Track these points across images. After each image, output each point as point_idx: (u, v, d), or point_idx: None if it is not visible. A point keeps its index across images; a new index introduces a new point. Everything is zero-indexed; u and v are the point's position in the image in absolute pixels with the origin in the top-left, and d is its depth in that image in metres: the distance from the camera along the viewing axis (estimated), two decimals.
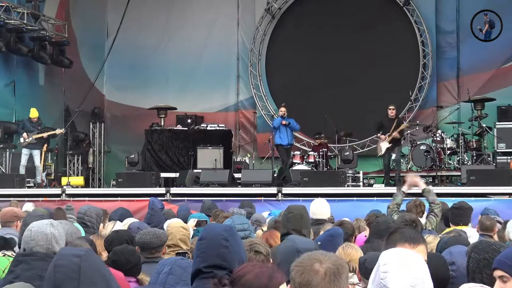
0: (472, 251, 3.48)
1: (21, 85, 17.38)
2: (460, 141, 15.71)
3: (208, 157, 15.94)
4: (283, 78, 19.60)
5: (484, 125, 15.74)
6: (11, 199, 11.67)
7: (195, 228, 6.77)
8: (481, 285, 2.99)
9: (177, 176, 15.61)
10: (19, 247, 5.03)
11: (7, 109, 17.00)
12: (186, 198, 13.11)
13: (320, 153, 15.88)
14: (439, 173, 15.20)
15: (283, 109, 15.73)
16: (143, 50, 20.55)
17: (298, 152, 16.24)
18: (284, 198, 12.87)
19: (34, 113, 15.45)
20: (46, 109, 16.00)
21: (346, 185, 13.91)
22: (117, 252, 4.64)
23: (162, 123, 18.35)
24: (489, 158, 15.98)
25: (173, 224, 5.85)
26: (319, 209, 6.94)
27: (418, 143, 16.16)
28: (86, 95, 18.26)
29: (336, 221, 6.85)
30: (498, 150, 16.05)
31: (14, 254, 4.46)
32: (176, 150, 16.96)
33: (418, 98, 18.21)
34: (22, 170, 15.36)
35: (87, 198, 13.55)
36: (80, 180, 16.87)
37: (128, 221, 6.74)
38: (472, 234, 6.33)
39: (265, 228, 6.65)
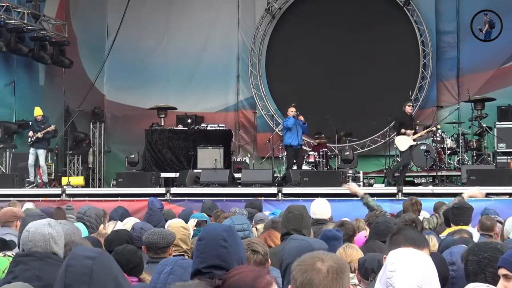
0: (468, 254, 3.48)
1: (21, 85, 17.39)
2: (460, 141, 15.71)
3: (208, 157, 15.94)
4: (283, 78, 19.60)
5: (484, 125, 15.74)
6: (11, 199, 11.66)
7: (195, 228, 6.76)
8: (487, 285, 3.00)
9: (177, 176, 15.60)
10: (19, 247, 5.04)
11: (7, 109, 17.01)
12: (186, 198, 13.10)
13: (320, 153, 15.88)
14: (439, 173, 15.19)
15: (293, 109, 15.22)
16: (143, 50, 20.55)
17: None
18: (284, 198, 12.86)
19: (37, 112, 15.47)
20: (46, 109, 15.99)
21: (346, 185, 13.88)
22: (118, 252, 4.64)
23: (162, 123, 18.36)
24: (489, 158, 15.99)
25: (173, 224, 5.85)
26: (320, 209, 6.94)
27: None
28: (86, 95, 18.26)
29: (337, 221, 6.83)
30: (498, 150, 16.06)
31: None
32: (176, 150, 16.96)
33: (418, 98, 18.21)
34: (30, 170, 15.38)
35: (87, 198, 13.54)
36: (80, 180, 16.88)
37: (128, 221, 6.74)
38: (473, 233, 6.33)
39: (258, 227, 6.65)
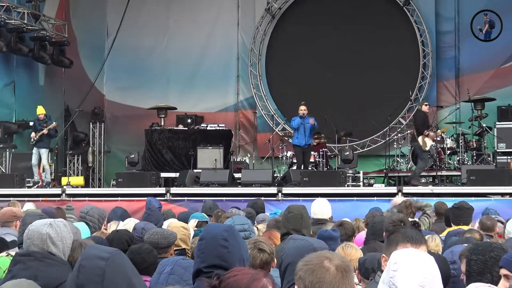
0: (471, 254, 3.47)
1: (21, 85, 17.39)
2: (460, 141, 15.72)
3: (208, 157, 15.94)
4: (283, 78, 19.60)
5: (484, 125, 15.74)
6: (11, 199, 11.65)
7: (196, 228, 6.76)
8: (489, 285, 3.00)
9: (177, 176, 15.60)
10: (19, 247, 5.04)
11: (7, 109, 17.01)
12: (186, 198, 13.10)
13: (320, 153, 15.87)
14: (439, 173, 15.19)
15: (302, 107, 14.79)
16: (143, 50, 20.55)
17: None
18: (284, 198, 12.86)
19: (40, 111, 15.47)
20: (46, 109, 15.98)
21: (346, 185, 13.90)
22: (133, 251, 4.66)
23: (162, 123, 18.37)
24: (489, 158, 15.99)
25: (173, 224, 5.85)
26: (320, 209, 6.94)
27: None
28: (86, 95, 18.26)
29: (336, 221, 6.84)
30: (498, 150, 16.06)
31: None
32: (176, 150, 16.96)
33: (418, 98, 18.19)
34: (35, 170, 15.38)
35: (87, 198, 13.54)
36: (80, 180, 16.88)
37: (128, 221, 6.74)
38: None
39: (260, 227, 6.65)
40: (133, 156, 17.01)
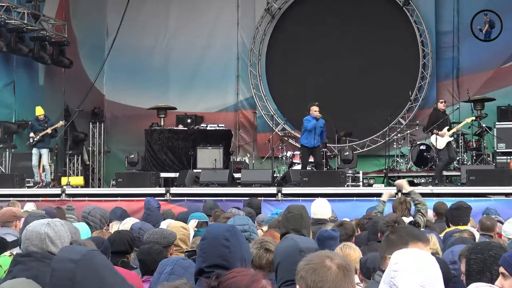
0: (471, 253, 3.48)
1: (21, 85, 17.39)
2: (460, 141, 15.71)
3: (208, 157, 15.94)
4: (283, 78, 19.60)
5: (484, 125, 15.74)
6: (11, 199, 11.66)
7: (196, 229, 6.76)
8: (489, 285, 3.00)
9: (177, 176, 15.60)
10: (20, 247, 5.04)
11: (7, 109, 17.00)
12: (185, 198, 13.10)
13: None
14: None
15: (316, 108, 14.27)
16: (143, 50, 20.55)
17: (298, 152, 16.21)
18: (284, 198, 12.85)
19: (39, 111, 15.47)
20: (46, 109, 15.99)
21: (346, 185, 13.90)
22: (143, 252, 4.68)
23: (162, 123, 18.37)
24: (489, 158, 15.99)
25: (173, 224, 5.86)
26: (320, 209, 6.95)
27: (418, 143, 16.17)
28: (86, 95, 18.27)
29: (337, 221, 6.84)
30: (498, 150, 16.07)
31: None
32: (176, 150, 16.96)
33: (418, 98, 18.21)
34: (35, 171, 15.37)
35: (87, 198, 13.55)
36: (80, 180, 16.88)
37: (127, 221, 6.75)
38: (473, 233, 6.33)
39: (265, 228, 6.65)
40: (133, 156, 17.01)
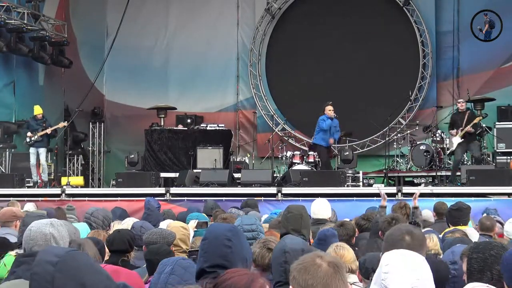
0: (472, 252, 3.49)
1: (21, 85, 17.39)
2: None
3: (208, 157, 15.94)
4: (283, 78, 19.60)
5: (484, 125, 15.73)
6: (11, 199, 11.65)
7: (195, 229, 6.77)
8: (487, 285, 3.01)
9: (177, 176, 15.60)
10: (18, 248, 5.04)
11: (7, 109, 17.00)
12: (185, 198, 13.10)
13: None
14: (438, 173, 15.20)
15: (331, 107, 14.56)
16: (143, 50, 20.56)
17: (298, 152, 16.22)
18: (284, 198, 12.85)
19: (38, 110, 15.45)
20: (46, 109, 15.99)
21: (345, 185, 13.90)
22: (151, 252, 4.69)
23: (162, 123, 18.36)
24: (488, 158, 15.98)
25: (173, 224, 5.86)
26: (320, 209, 6.95)
27: (418, 143, 16.17)
28: (86, 95, 18.27)
29: (337, 222, 6.84)
30: (498, 150, 16.07)
31: None
32: (176, 150, 16.96)
33: (418, 98, 18.21)
34: (33, 170, 15.36)
35: (86, 198, 13.54)
36: (80, 180, 16.87)
37: (127, 221, 6.75)
38: (472, 233, 6.33)
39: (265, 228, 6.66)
40: (133, 156, 17.01)
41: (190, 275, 3.55)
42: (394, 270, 2.58)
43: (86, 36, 20.13)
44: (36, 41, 17.27)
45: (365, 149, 18.36)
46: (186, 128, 17.56)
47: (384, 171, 16.30)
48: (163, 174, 15.98)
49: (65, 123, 15.82)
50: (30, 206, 9.51)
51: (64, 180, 16.06)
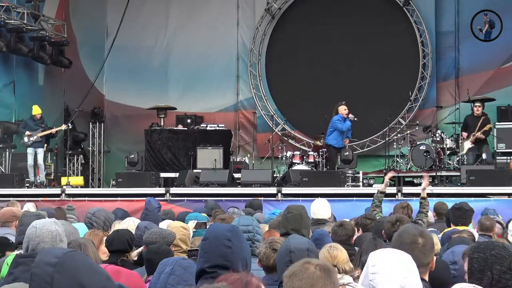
0: (473, 252, 3.50)
1: (21, 85, 17.39)
2: (460, 141, 15.70)
3: (208, 157, 15.94)
4: (283, 78, 19.60)
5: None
6: (11, 199, 11.66)
7: (194, 230, 6.77)
8: (473, 285, 3.01)
9: (177, 176, 15.60)
10: (16, 248, 5.04)
11: (7, 109, 17.00)
12: (185, 198, 13.10)
13: (320, 153, 15.85)
14: (438, 173, 15.18)
15: (345, 107, 14.57)
16: (143, 50, 20.55)
17: (297, 152, 16.23)
18: (283, 198, 12.86)
19: (36, 110, 15.40)
20: (46, 109, 15.99)
21: (345, 185, 13.90)
22: (151, 251, 4.69)
23: (162, 123, 18.35)
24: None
25: (173, 224, 5.87)
26: (319, 209, 6.96)
27: (417, 143, 16.16)
28: (86, 95, 18.27)
29: (336, 222, 6.84)
30: (498, 150, 16.05)
31: None
32: (176, 150, 16.96)
33: (417, 98, 18.21)
34: (30, 170, 15.34)
35: (86, 198, 13.54)
36: (79, 180, 16.87)
37: (127, 221, 6.75)
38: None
39: (265, 228, 6.65)
40: (132, 156, 17.00)
41: (190, 275, 3.55)
42: (381, 270, 2.57)
43: (86, 36, 20.13)
44: (36, 41, 17.26)
45: (365, 149, 18.36)
46: (186, 128, 17.56)
47: (384, 171, 16.27)
48: (163, 174, 15.98)
49: (66, 126, 15.76)
50: (29, 206, 9.50)
51: (64, 180, 16.06)
